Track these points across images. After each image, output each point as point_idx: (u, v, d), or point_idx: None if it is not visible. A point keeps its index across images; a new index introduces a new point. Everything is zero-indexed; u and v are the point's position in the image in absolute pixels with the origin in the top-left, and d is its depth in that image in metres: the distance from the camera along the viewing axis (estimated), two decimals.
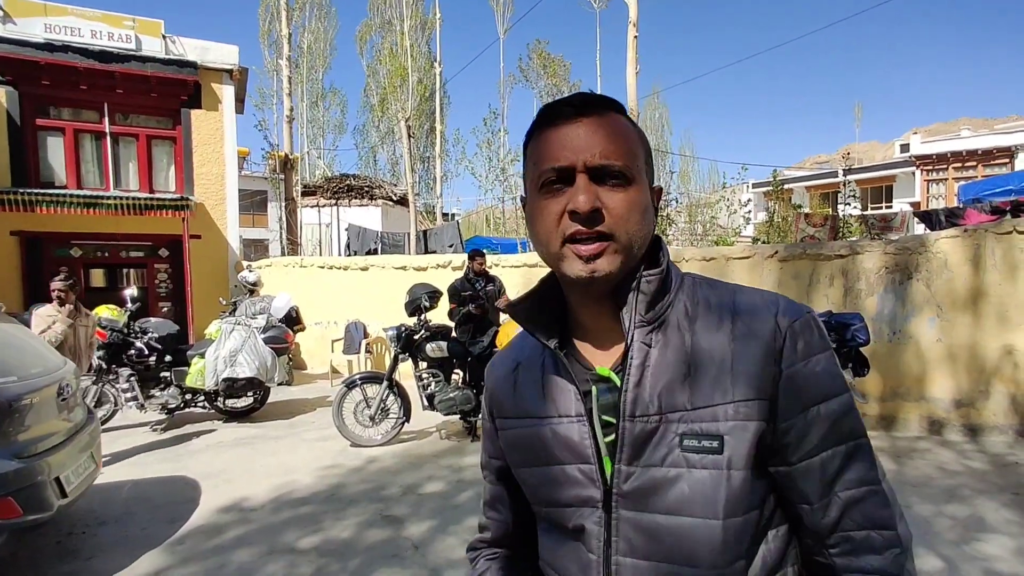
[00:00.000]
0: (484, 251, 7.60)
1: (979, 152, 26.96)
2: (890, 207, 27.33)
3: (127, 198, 10.49)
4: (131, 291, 7.30)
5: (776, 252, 6.90)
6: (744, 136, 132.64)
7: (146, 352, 6.65)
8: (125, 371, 6.62)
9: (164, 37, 11.63)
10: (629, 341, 0.82)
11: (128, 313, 6.77)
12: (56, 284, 5.44)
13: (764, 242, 14.40)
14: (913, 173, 29.34)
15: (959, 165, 27.61)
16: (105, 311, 6.64)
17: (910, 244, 6.20)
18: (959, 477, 4.70)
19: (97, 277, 12.72)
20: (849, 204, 14.82)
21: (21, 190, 9.94)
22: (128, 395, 6.59)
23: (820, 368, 0.82)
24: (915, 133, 30.86)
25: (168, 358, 6.80)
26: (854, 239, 10.22)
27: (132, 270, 12.57)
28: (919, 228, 14.47)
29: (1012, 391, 5.64)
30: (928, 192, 28.44)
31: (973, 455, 5.23)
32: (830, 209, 18.95)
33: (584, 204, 0.77)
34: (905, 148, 31.56)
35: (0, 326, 3.75)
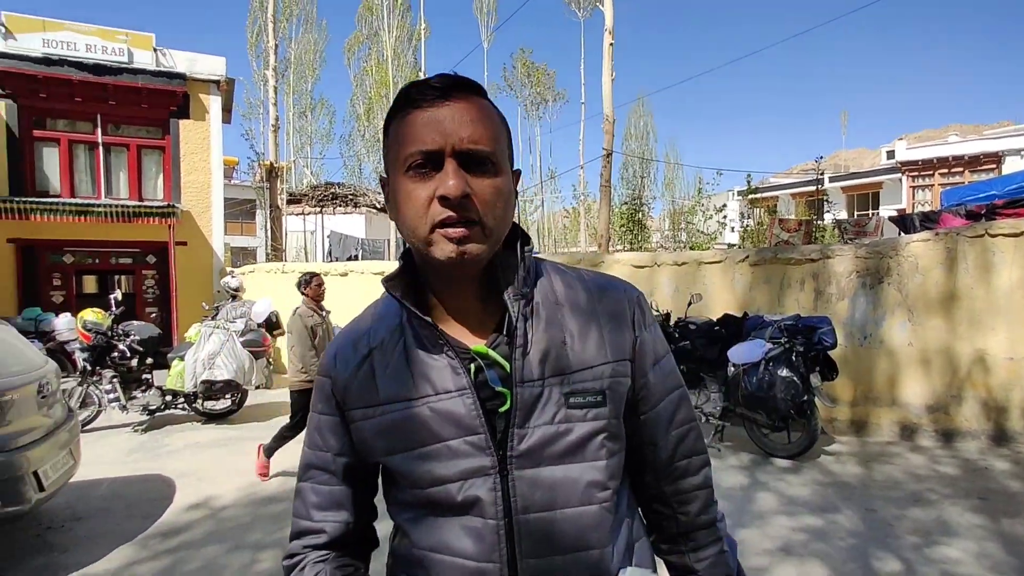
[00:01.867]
0: None
1: (965, 158, 26.68)
2: (876, 214, 27.45)
3: (117, 206, 10.74)
4: (115, 295, 7.50)
5: (747, 256, 6.95)
6: (731, 144, 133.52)
7: (128, 354, 6.86)
8: (108, 373, 6.82)
9: (155, 50, 11.91)
10: (515, 315, 0.87)
11: (112, 316, 6.99)
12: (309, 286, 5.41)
13: (740, 247, 14.60)
14: (900, 180, 29.32)
15: (945, 171, 27.27)
16: (90, 314, 6.85)
17: (881, 248, 6.16)
18: (927, 481, 4.71)
19: (89, 283, 12.88)
20: (831, 212, 15.06)
21: (18, 199, 10.23)
22: (111, 396, 6.79)
23: (657, 332, 0.98)
24: (901, 139, 30.97)
25: (149, 360, 7.00)
26: (827, 243, 10.42)
27: (121, 276, 12.77)
28: (894, 233, 14.68)
29: (984, 396, 5.60)
30: (914, 198, 28.31)
31: (943, 460, 5.24)
32: (814, 215, 19.15)
33: (455, 190, 0.78)
34: (892, 155, 31.37)
35: None
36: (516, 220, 0.93)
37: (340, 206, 17.83)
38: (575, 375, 0.88)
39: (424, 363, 0.88)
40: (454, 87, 0.83)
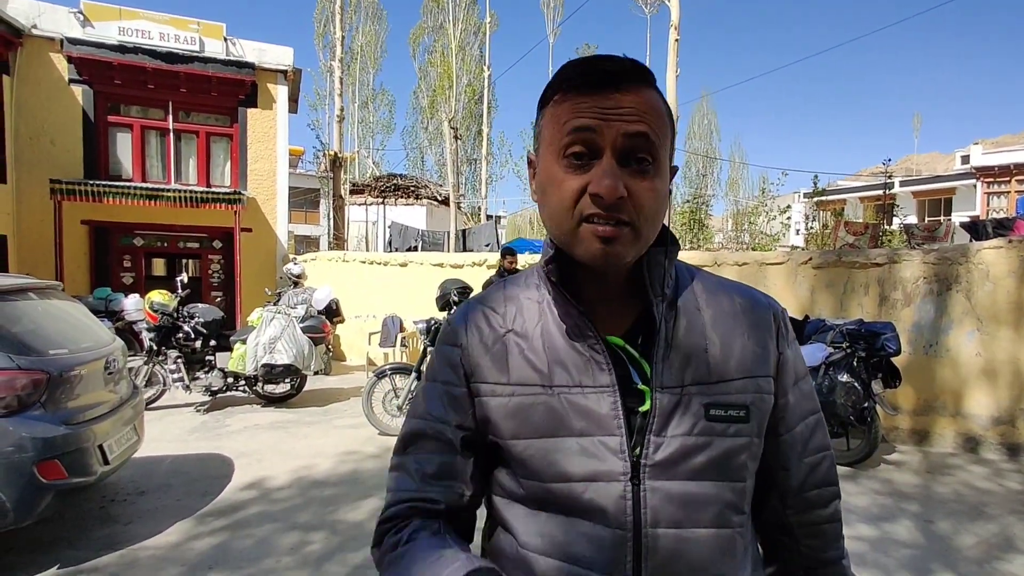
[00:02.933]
0: (514, 250, 7.72)
1: None
2: (948, 220, 26.33)
3: (185, 191, 11.09)
4: (182, 277, 7.71)
5: (810, 259, 6.78)
6: (798, 145, 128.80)
7: (192, 336, 7.03)
8: (173, 353, 7.01)
9: (225, 39, 12.22)
10: (658, 316, 0.83)
11: (178, 298, 7.17)
12: None
13: (803, 250, 14.12)
14: (974, 185, 28.10)
15: (1023, 177, 26.34)
16: (157, 296, 7.04)
17: (951, 254, 5.98)
18: (990, 495, 4.56)
19: (158, 266, 13.40)
20: (899, 217, 14.39)
21: (92, 182, 10.65)
22: (175, 376, 6.97)
23: (798, 351, 0.93)
24: (977, 144, 29.48)
25: (213, 343, 7.16)
26: (893, 248, 9.93)
27: (188, 260, 13.21)
28: (964, 239, 13.95)
29: None
30: (988, 205, 27.20)
31: (1008, 474, 5.06)
32: (882, 220, 18.36)
33: (610, 191, 0.73)
34: (966, 160, 30.27)
35: (56, 303, 4.05)
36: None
37: (402, 197, 18.04)
38: (717, 386, 0.83)
39: (564, 351, 0.84)
40: (628, 73, 0.76)
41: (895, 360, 5.16)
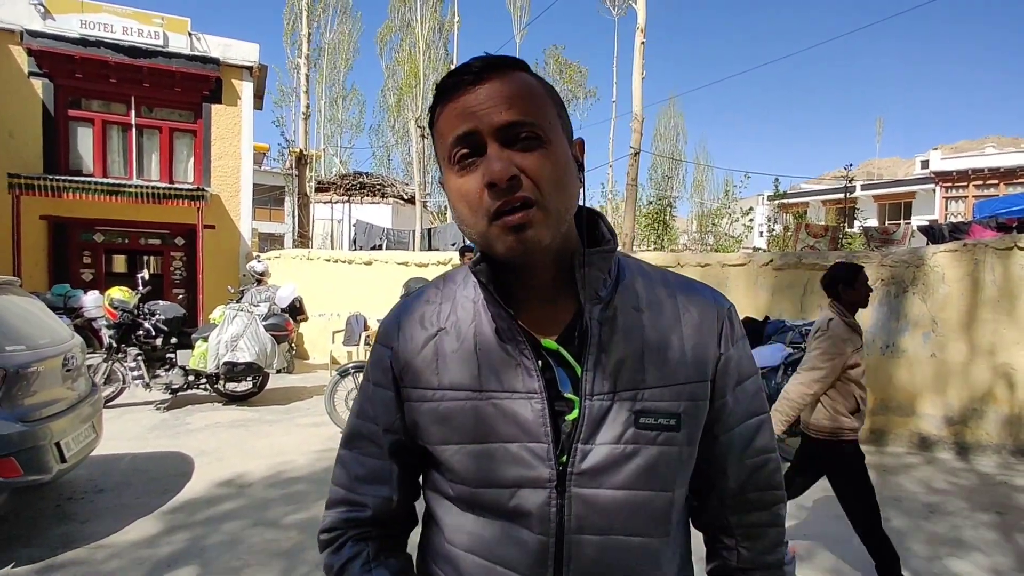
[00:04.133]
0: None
1: (1001, 170, 26.37)
2: (908, 224, 27.07)
3: (148, 187, 10.95)
4: (143, 274, 7.63)
5: (771, 260, 6.93)
6: (761, 148, 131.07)
7: (153, 333, 6.97)
8: (133, 351, 6.95)
9: (190, 34, 12.07)
10: (588, 318, 0.81)
11: (139, 295, 7.11)
12: None
13: (765, 252, 14.46)
14: (933, 190, 28.87)
15: (980, 183, 27.01)
16: (117, 292, 6.98)
17: (907, 257, 6.10)
18: (943, 495, 4.65)
19: (118, 262, 13.14)
20: (860, 220, 14.85)
21: (51, 176, 10.46)
22: (135, 374, 6.92)
23: (745, 349, 0.90)
24: (936, 149, 30.40)
25: (174, 340, 7.11)
26: (852, 250, 10.26)
27: (150, 256, 13.00)
28: (922, 242, 14.43)
29: (1007, 411, 5.52)
30: (947, 210, 27.92)
31: (961, 473, 5.17)
32: (843, 223, 18.87)
33: (500, 172, 0.73)
34: (926, 164, 31.01)
35: (13, 299, 4.02)
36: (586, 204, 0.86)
37: (367, 196, 17.98)
38: (649, 392, 0.81)
39: (495, 355, 0.82)
40: (488, 66, 0.77)
41: None
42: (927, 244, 10.31)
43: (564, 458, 0.79)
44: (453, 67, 0.83)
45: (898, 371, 6.01)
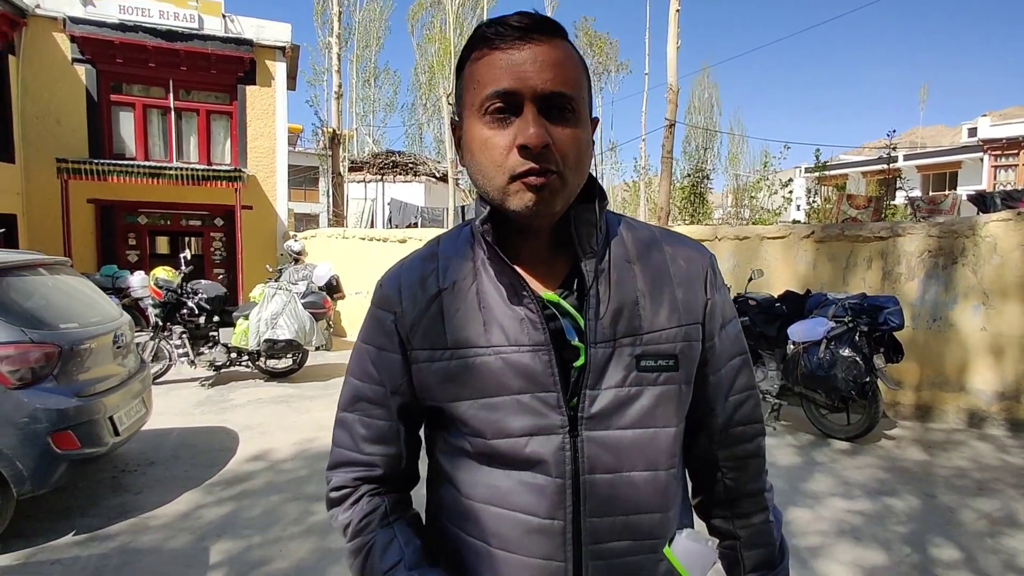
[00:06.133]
0: None
1: None
2: (954, 193, 26.06)
3: (187, 169, 11.19)
4: (185, 255, 7.82)
5: (812, 232, 6.73)
6: (800, 118, 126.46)
7: (196, 312, 7.17)
8: (178, 329, 7.17)
9: (224, 16, 12.17)
10: (587, 272, 0.85)
11: (182, 275, 7.30)
12: None
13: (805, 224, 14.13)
14: (981, 159, 27.75)
15: None
16: (161, 272, 7.18)
17: (957, 227, 5.87)
18: (994, 471, 4.53)
19: (161, 243, 13.51)
20: (904, 190, 14.33)
21: (97, 160, 10.78)
22: (180, 351, 7.14)
23: (726, 295, 0.96)
24: (985, 116, 29.09)
25: (216, 319, 7.30)
26: (896, 221, 9.93)
27: (191, 237, 13.32)
28: (971, 213, 13.91)
29: None
30: (996, 179, 26.84)
31: (1013, 450, 5.02)
32: (887, 193, 18.24)
33: (536, 139, 0.75)
34: (973, 132, 29.71)
35: (66, 279, 4.18)
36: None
37: (400, 174, 18.05)
38: (646, 336, 0.86)
39: (499, 310, 0.85)
40: (536, 27, 0.78)
41: (898, 334, 5.08)
42: (977, 214, 9.95)
43: (574, 403, 0.84)
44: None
45: (946, 345, 5.84)
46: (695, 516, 1.03)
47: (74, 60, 11.30)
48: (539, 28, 0.78)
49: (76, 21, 11.10)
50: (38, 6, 10.93)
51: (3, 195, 10.58)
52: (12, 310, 3.46)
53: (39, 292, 3.81)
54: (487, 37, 0.79)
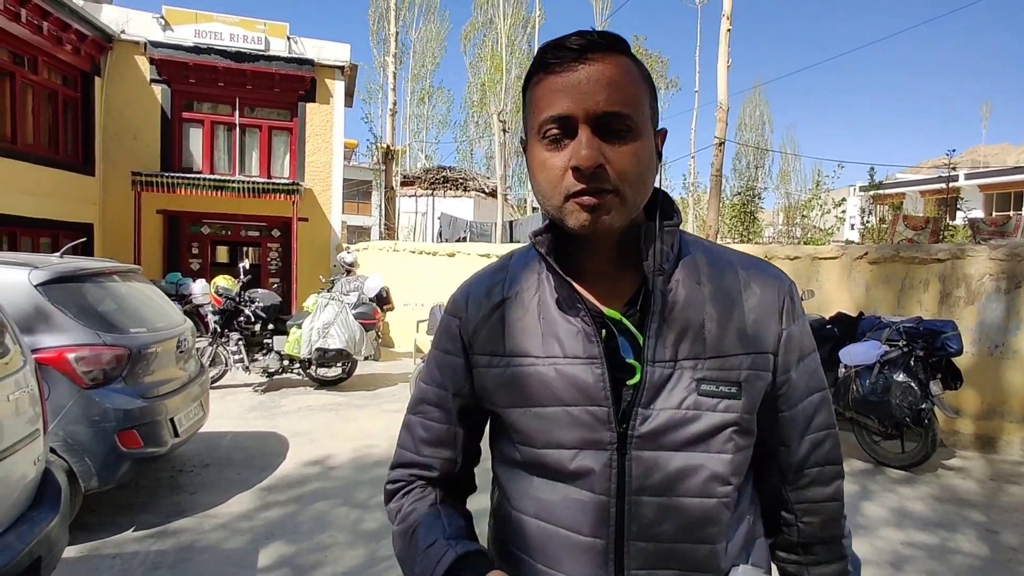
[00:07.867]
0: None
1: None
2: (1019, 215, 24.89)
3: (248, 182, 11.68)
4: (244, 264, 8.13)
5: (866, 253, 6.55)
6: (855, 136, 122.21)
7: (252, 319, 7.43)
8: (235, 335, 7.44)
9: (288, 38, 12.71)
10: (651, 288, 0.84)
11: (240, 284, 7.59)
12: None
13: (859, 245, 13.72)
14: None
15: None
16: (222, 280, 7.48)
17: (1021, 250, 5.67)
18: None
19: (221, 253, 14.05)
20: (963, 211, 13.78)
21: (167, 174, 11.43)
22: (236, 357, 7.40)
23: (805, 327, 0.91)
24: None
25: (271, 327, 7.55)
26: (957, 243, 9.54)
27: (249, 247, 13.82)
28: None
29: None
30: None
31: None
32: (946, 213, 17.55)
33: (587, 161, 0.76)
34: None
35: (136, 286, 4.41)
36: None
37: (451, 189, 18.33)
38: (711, 361, 0.84)
39: (557, 322, 0.86)
40: (592, 46, 0.78)
41: (956, 360, 4.90)
42: None
43: (625, 423, 0.83)
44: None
45: (1009, 373, 5.60)
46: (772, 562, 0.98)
47: (152, 80, 12.00)
48: (595, 47, 0.79)
49: (156, 45, 11.82)
50: (123, 32, 11.70)
51: (83, 206, 11.26)
52: (88, 313, 3.68)
53: (113, 297, 4.03)
54: (545, 61, 0.80)
